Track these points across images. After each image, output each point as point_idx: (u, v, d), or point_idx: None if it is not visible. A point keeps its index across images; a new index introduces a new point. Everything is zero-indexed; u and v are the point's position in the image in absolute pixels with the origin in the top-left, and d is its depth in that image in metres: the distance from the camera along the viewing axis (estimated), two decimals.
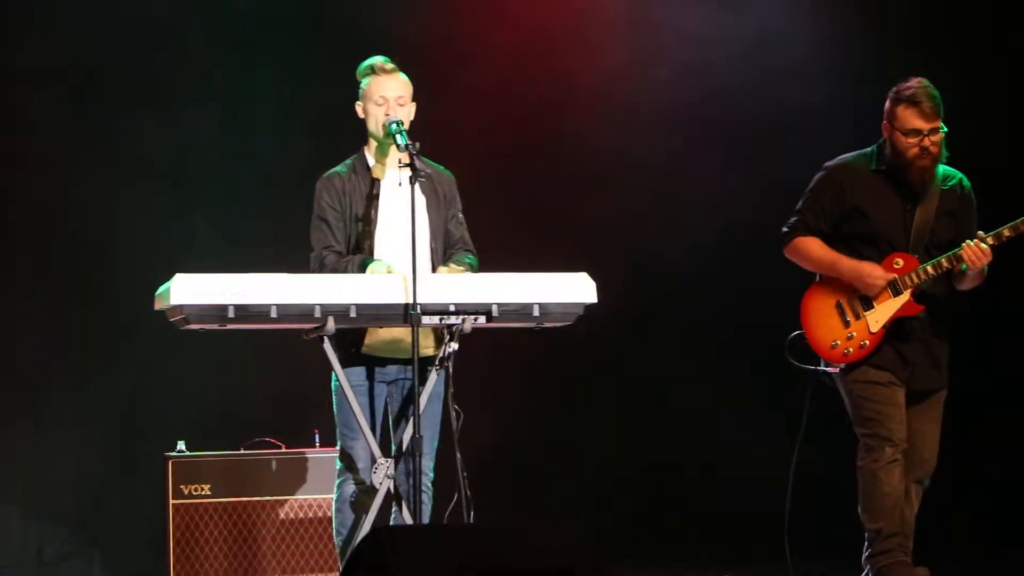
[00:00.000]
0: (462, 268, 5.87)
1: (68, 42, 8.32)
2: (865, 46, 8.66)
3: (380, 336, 5.83)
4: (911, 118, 6.15)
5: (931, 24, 8.69)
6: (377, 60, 6.00)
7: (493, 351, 7.31)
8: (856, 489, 6.24)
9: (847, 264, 6.23)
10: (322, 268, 5.86)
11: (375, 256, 5.85)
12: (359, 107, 6.00)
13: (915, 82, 6.19)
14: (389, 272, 5.71)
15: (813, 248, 6.31)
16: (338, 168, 6.02)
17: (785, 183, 6.72)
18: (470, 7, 8.86)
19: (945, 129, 6.17)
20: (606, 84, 8.92)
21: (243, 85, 8.58)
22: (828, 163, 6.41)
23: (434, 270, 5.90)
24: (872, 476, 6.16)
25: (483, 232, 6.18)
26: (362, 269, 5.77)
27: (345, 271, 5.79)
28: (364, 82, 5.99)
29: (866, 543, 6.24)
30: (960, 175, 6.34)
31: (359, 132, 6.04)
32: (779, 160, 8.43)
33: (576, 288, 5.72)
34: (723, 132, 8.92)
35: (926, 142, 6.15)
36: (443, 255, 6.00)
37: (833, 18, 8.77)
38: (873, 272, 6.18)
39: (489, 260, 6.05)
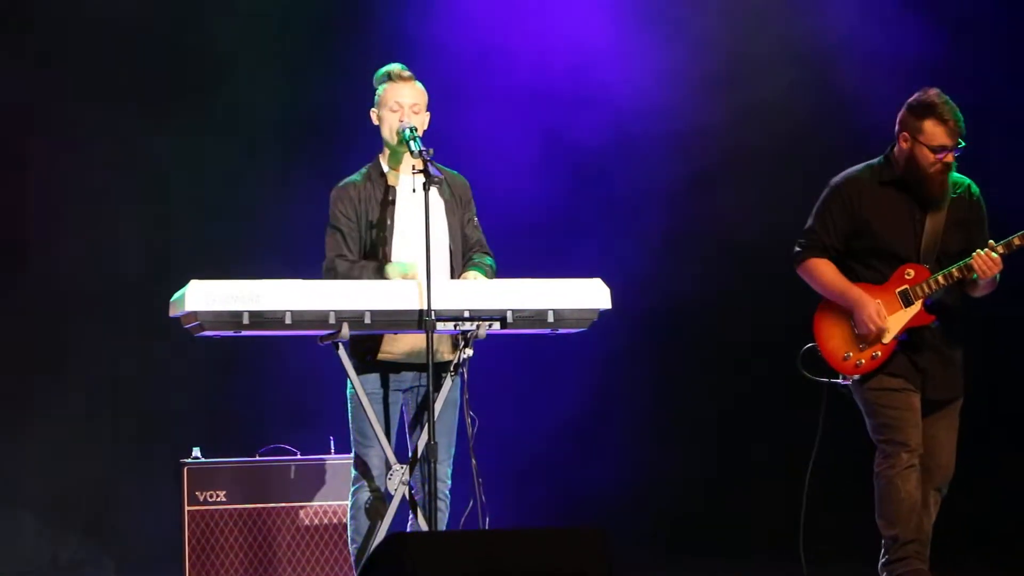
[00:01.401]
0: (481, 275, 5.87)
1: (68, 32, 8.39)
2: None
3: (399, 346, 5.83)
4: (940, 135, 6.13)
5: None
6: (394, 67, 6.00)
7: (510, 356, 7.33)
8: (872, 496, 6.23)
9: (853, 295, 6.20)
10: (335, 276, 5.86)
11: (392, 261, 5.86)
12: (374, 114, 6.00)
13: (935, 95, 6.16)
14: (407, 272, 5.71)
15: (824, 272, 6.28)
16: (353, 177, 6.02)
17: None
18: (491, 13, 8.85)
19: (963, 144, 6.16)
20: (629, 90, 8.92)
21: (248, 91, 8.59)
22: (834, 179, 6.38)
23: (454, 272, 5.90)
24: (888, 482, 6.14)
25: (498, 238, 6.19)
26: (379, 273, 5.77)
27: (360, 277, 5.79)
28: (380, 89, 5.99)
29: (883, 550, 6.22)
30: (968, 181, 6.31)
31: (375, 140, 6.05)
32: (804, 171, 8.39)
33: (590, 294, 5.72)
34: (752, 143, 8.89)
35: (949, 158, 6.14)
36: (462, 258, 6.00)
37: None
38: (873, 316, 6.14)
39: (503, 265, 6.06)
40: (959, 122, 6.12)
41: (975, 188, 6.31)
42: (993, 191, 6.40)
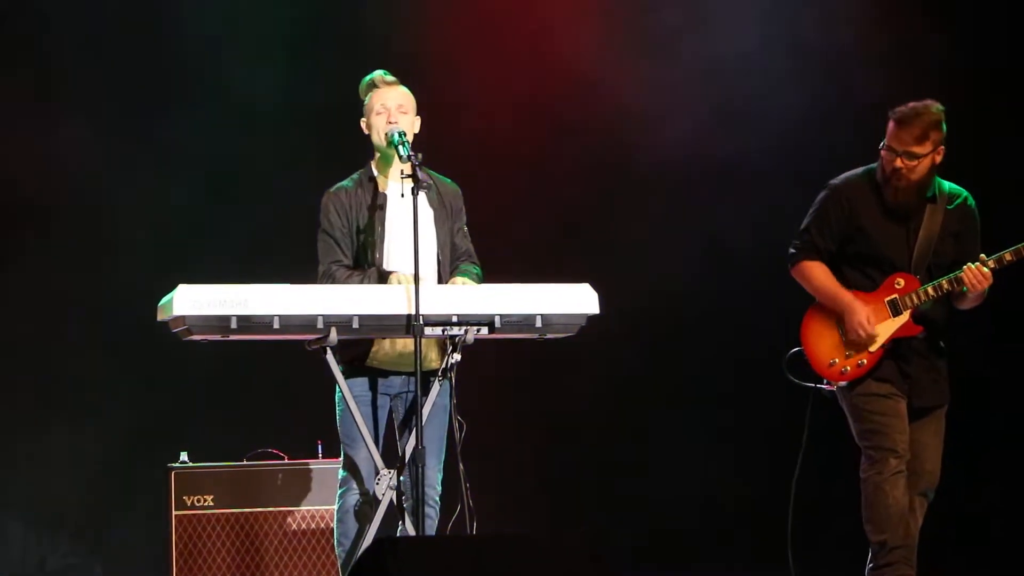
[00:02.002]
0: (470, 281, 5.87)
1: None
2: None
3: (387, 350, 5.83)
4: (890, 134, 6.15)
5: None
6: (376, 74, 6.01)
7: (498, 361, 7.32)
8: (859, 502, 6.23)
9: (845, 300, 6.21)
10: (333, 283, 5.85)
11: (385, 268, 5.85)
12: (363, 123, 6.00)
13: (918, 103, 6.17)
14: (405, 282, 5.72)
15: (817, 275, 6.28)
16: (344, 183, 6.02)
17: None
18: (486, 20, 8.86)
19: (919, 155, 6.09)
20: (619, 95, 8.92)
21: (247, 94, 8.59)
22: (833, 181, 6.37)
23: (441, 282, 5.90)
24: (876, 488, 6.14)
25: (486, 243, 6.18)
26: (382, 282, 5.77)
27: (361, 283, 5.78)
28: (366, 98, 6.00)
29: (870, 556, 6.23)
30: (965, 193, 6.31)
31: (366, 147, 6.05)
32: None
33: (578, 299, 5.72)
34: (748, 149, 8.90)
35: (898, 162, 6.13)
36: (449, 267, 6.00)
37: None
38: (863, 323, 6.14)
39: (492, 271, 6.05)
40: (918, 130, 6.09)
41: (971, 200, 6.31)
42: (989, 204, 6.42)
